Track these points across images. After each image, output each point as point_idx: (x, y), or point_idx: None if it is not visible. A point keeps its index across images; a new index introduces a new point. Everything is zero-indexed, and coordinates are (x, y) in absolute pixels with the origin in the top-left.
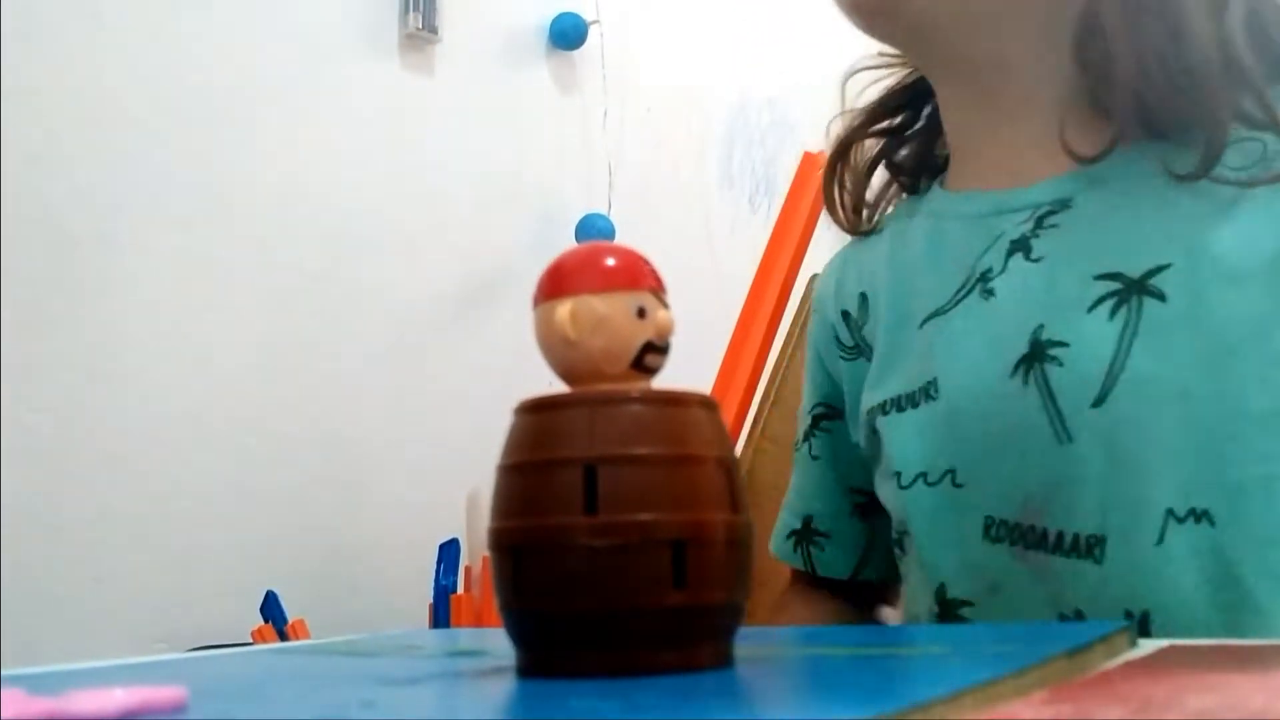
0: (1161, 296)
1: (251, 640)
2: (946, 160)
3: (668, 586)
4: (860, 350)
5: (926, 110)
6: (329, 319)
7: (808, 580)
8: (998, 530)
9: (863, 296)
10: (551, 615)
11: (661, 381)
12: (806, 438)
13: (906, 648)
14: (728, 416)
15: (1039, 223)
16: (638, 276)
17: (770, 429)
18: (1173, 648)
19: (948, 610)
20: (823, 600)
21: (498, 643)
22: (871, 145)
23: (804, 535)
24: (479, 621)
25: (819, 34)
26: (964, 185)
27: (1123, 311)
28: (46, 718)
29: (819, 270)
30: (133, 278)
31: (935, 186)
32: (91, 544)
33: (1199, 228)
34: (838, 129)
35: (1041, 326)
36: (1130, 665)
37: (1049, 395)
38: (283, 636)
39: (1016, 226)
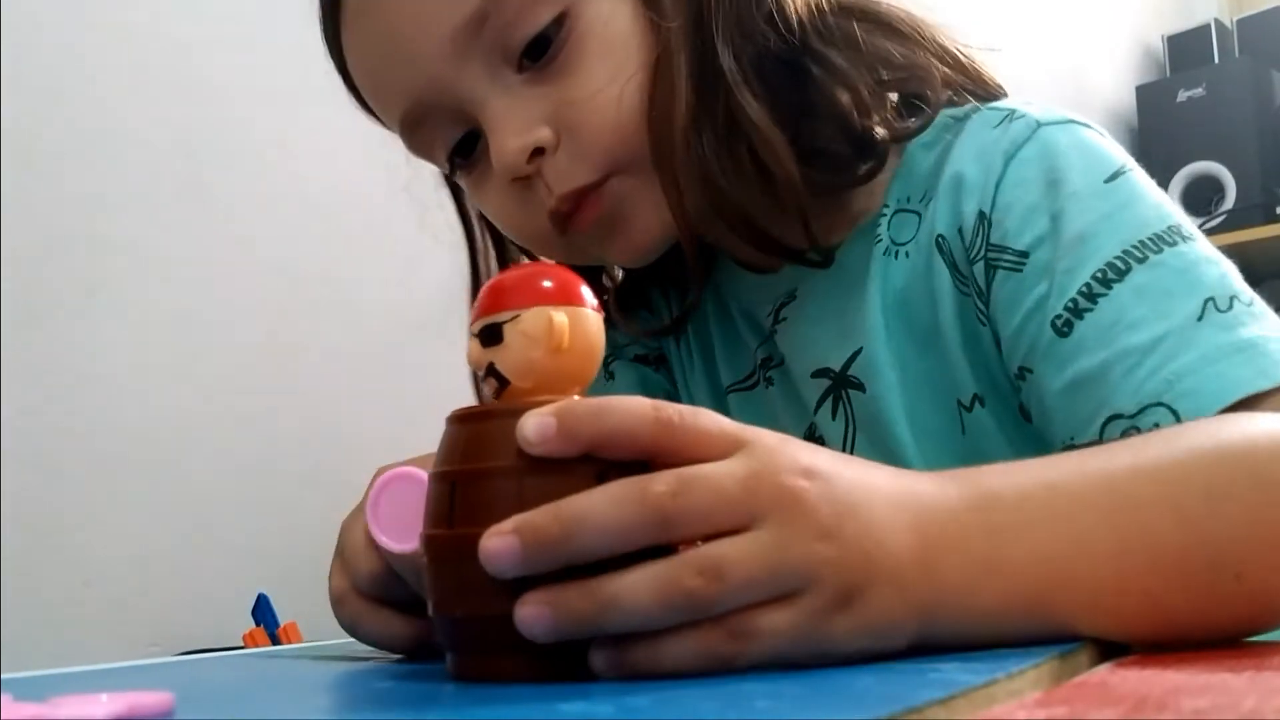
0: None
1: (243, 644)
2: None
3: None
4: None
5: None
6: (323, 320)
7: None
8: None
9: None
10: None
11: None
12: None
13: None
14: None
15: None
16: (476, 313)
17: None
18: (1166, 649)
19: None
20: None
21: None
22: None
23: None
24: None
25: None
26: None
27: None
28: None
29: None
30: (122, 279)
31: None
32: (81, 547)
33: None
34: None
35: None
36: (1123, 666)
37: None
38: (274, 640)
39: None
